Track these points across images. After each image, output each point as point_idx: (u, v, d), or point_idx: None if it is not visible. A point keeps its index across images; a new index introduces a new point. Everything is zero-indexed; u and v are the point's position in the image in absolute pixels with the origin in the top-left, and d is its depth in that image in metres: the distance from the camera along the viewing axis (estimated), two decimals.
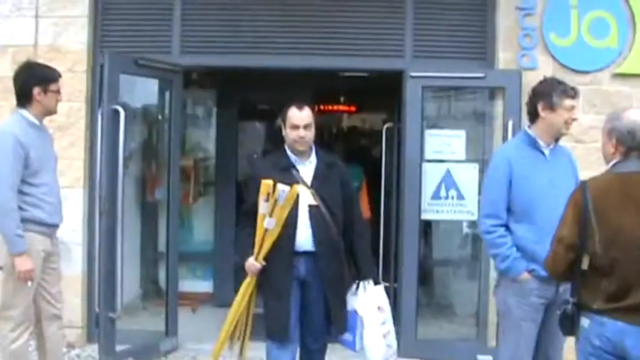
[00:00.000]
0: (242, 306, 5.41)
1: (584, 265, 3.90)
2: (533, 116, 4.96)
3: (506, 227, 4.89)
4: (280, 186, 5.06)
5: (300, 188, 5.15)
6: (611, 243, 3.80)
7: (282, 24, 7.41)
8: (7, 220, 5.08)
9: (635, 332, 3.76)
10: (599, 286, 3.85)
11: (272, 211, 5.10)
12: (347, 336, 5.42)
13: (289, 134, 5.28)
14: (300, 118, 5.25)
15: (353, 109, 12.49)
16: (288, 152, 5.34)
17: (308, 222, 5.22)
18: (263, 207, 5.12)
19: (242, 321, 5.50)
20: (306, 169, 5.33)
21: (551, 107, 4.84)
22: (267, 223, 5.13)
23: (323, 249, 5.24)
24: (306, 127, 5.25)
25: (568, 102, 4.87)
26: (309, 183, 5.28)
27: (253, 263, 5.22)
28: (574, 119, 4.97)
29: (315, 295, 5.30)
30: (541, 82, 5.07)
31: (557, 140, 5.01)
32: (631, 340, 3.76)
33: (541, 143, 4.92)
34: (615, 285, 3.80)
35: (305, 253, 5.24)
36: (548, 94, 4.87)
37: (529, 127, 5.02)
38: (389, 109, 10.39)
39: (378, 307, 5.37)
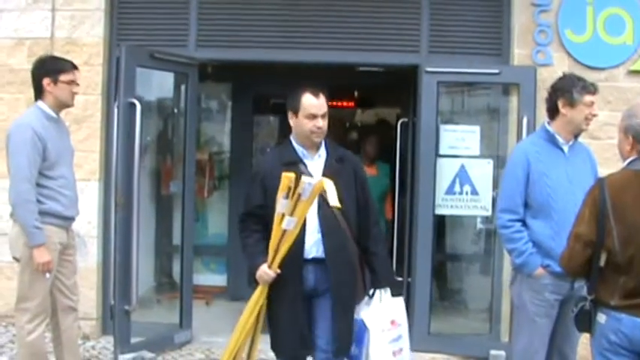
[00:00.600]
0: (253, 317, 4.86)
1: (602, 262, 3.92)
2: (553, 112, 4.97)
3: (523, 222, 4.91)
4: (305, 178, 4.43)
5: (325, 181, 4.45)
6: (628, 240, 3.81)
7: (297, 18, 7.43)
8: (26, 213, 5.12)
9: None
10: (616, 282, 3.87)
11: (294, 208, 4.47)
12: (353, 349, 4.81)
13: (304, 125, 4.68)
14: (318, 106, 4.70)
15: (367, 103, 12.46)
16: (295, 145, 4.79)
17: (317, 225, 4.65)
18: (282, 205, 4.48)
19: (250, 334, 4.95)
20: (315, 163, 4.76)
21: (572, 103, 4.86)
22: (287, 223, 4.49)
23: (334, 257, 4.65)
24: (323, 116, 4.72)
25: (588, 98, 4.89)
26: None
27: (266, 272, 4.63)
28: (594, 115, 4.99)
29: (324, 306, 4.73)
30: (561, 79, 5.09)
31: (576, 137, 5.02)
32: None
33: (560, 140, 4.94)
34: (633, 281, 3.82)
35: (314, 260, 4.67)
36: (568, 90, 4.88)
37: (548, 123, 5.02)
38: (403, 105, 10.40)
39: (392, 321, 4.81)
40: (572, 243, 4.05)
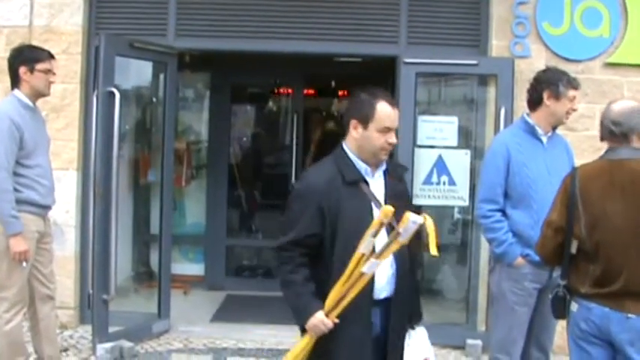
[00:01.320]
0: None
1: (573, 250, 3.99)
2: (536, 104, 5.02)
3: (503, 212, 4.96)
4: (412, 216, 3.59)
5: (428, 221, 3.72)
6: (594, 227, 3.88)
7: (277, 8, 7.42)
8: (3, 202, 5.10)
9: (619, 318, 3.83)
10: (587, 270, 3.94)
11: (385, 250, 3.66)
12: None
13: (375, 139, 3.83)
14: (394, 118, 3.86)
15: (344, 94, 12.49)
16: (355, 159, 3.91)
17: (392, 260, 3.81)
18: (368, 244, 3.62)
19: None
20: (376, 183, 3.94)
21: (557, 96, 4.93)
22: (369, 267, 3.63)
23: (403, 294, 3.88)
24: (396, 130, 3.91)
25: (572, 92, 4.97)
26: (383, 203, 3.81)
27: (324, 322, 3.72)
28: (574, 110, 5.06)
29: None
30: (546, 71, 5.15)
31: (554, 129, 5.07)
32: (616, 326, 3.84)
33: (539, 131, 4.99)
34: (600, 270, 3.88)
35: (383, 300, 3.85)
36: (554, 83, 4.95)
37: (528, 114, 5.07)
38: None
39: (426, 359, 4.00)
40: (544, 229, 4.15)
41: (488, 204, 4.98)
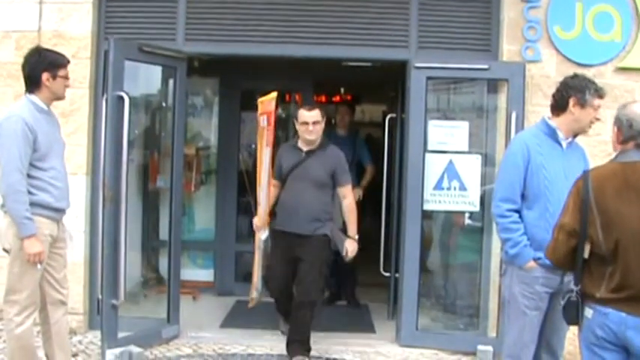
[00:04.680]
0: None
1: (586, 254, 3.95)
2: (560, 109, 4.98)
3: (519, 213, 4.93)
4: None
5: None
6: (610, 230, 3.84)
7: (286, 13, 7.41)
8: (17, 204, 5.08)
9: (636, 323, 3.79)
10: (602, 275, 3.89)
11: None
12: None
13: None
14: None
15: (354, 99, 12.47)
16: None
17: None
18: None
19: None
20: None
21: (583, 104, 4.91)
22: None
23: None
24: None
25: (597, 102, 4.95)
26: None
27: None
28: (597, 119, 5.04)
29: None
30: (574, 77, 5.08)
31: (574, 136, 5.05)
32: (633, 331, 3.79)
33: (560, 135, 4.97)
34: (616, 274, 3.84)
35: None
36: (581, 90, 4.92)
37: (549, 118, 5.05)
38: (389, 101, 10.41)
39: None
40: (556, 234, 4.10)
41: (506, 203, 4.94)
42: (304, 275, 6.68)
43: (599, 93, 4.96)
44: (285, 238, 6.81)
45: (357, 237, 6.85)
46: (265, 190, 7.01)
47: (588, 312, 3.95)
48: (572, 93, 4.94)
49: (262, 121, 7.16)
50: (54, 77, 5.32)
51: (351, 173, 7.24)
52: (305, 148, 6.84)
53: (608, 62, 7.15)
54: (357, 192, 8.31)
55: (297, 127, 6.85)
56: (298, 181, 6.76)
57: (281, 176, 6.92)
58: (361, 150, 9.11)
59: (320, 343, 7.06)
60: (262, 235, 7.11)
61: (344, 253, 6.81)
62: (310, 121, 6.71)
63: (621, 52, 7.14)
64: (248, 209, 9.39)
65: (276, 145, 7.23)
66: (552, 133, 4.98)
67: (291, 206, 6.78)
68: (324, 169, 6.76)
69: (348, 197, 6.88)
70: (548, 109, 5.11)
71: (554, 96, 5.08)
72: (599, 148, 6.68)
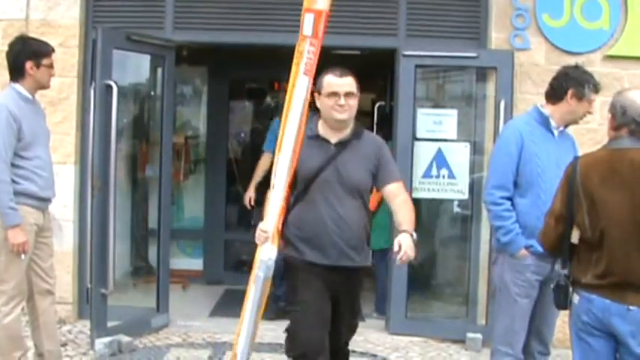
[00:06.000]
0: None
1: (575, 239, 3.98)
2: (557, 98, 4.98)
3: (511, 200, 4.94)
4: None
5: None
6: (596, 216, 3.86)
7: (275, 1, 7.36)
8: (1, 193, 5.05)
9: (620, 310, 3.81)
10: (588, 261, 3.92)
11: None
12: None
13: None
14: None
15: None
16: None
17: None
18: None
19: None
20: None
21: (580, 97, 4.91)
22: None
23: None
24: None
25: (593, 96, 4.98)
26: None
27: None
28: (590, 113, 5.08)
29: None
30: (575, 69, 5.08)
31: (566, 126, 5.06)
32: (617, 318, 3.82)
33: (553, 123, 4.98)
34: (602, 260, 3.86)
35: None
36: (581, 83, 4.93)
37: (542, 105, 5.06)
38: (378, 89, 10.40)
39: None
40: (547, 219, 4.16)
41: (500, 190, 4.94)
42: (346, 321, 4.90)
43: (597, 88, 4.98)
44: (317, 273, 4.65)
45: (414, 234, 4.61)
46: (286, 172, 4.72)
47: (575, 298, 3.98)
48: (571, 84, 4.94)
49: (306, 24, 5.06)
50: (37, 66, 5.29)
51: None
52: (333, 139, 4.70)
53: (597, 50, 7.15)
54: None
55: (320, 102, 4.70)
56: (328, 189, 4.62)
57: (299, 182, 4.76)
58: None
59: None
60: (268, 254, 4.76)
61: (396, 250, 4.43)
62: (342, 91, 4.62)
63: (609, 40, 7.14)
64: (238, 198, 9.40)
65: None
66: (545, 121, 4.99)
67: (321, 227, 4.63)
68: (364, 168, 4.70)
69: (402, 194, 4.77)
70: (537, 97, 5.15)
71: (551, 84, 5.07)
72: (587, 136, 6.68)
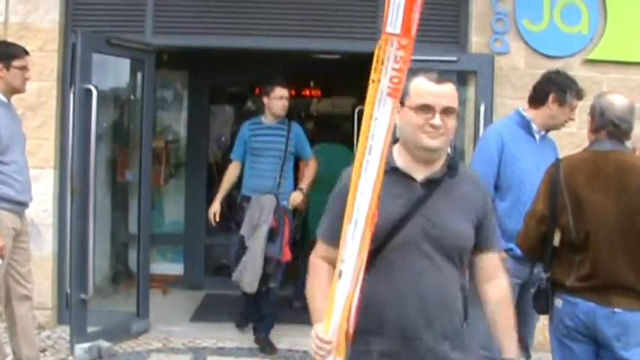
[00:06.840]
0: None
1: (556, 241, 3.98)
2: (539, 102, 5.01)
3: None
4: None
5: None
6: (581, 217, 3.88)
7: (255, 5, 7.36)
8: None
9: (605, 313, 3.82)
10: (571, 263, 3.93)
11: None
12: None
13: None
14: None
15: (323, 92, 12.44)
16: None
17: None
18: None
19: None
20: None
21: (562, 102, 4.94)
22: None
23: None
24: None
25: (575, 103, 5.00)
26: None
27: None
28: (572, 119, 5.10)
29: None
30: (558, 74, 5.11)
31: (547, 131, 5.08)
32: (602, 321, 3.82)
33: (534, 127, 5.01)
34: (586, 262, 3.88)
35: None
36: (563, 89, 4.95)
37: (524, 109, 5.07)
38: (359, 93, 10.38)
39: None
40: (527, 220, 4.16)
41: None
42: None
43: (580, 95, 4.99)
44: None
45: None
46: (360, 239, 2.85)
47: (558, 302, 3.98)
48: (553, 89, 4.96)
49: (392, 15, 2.87)
50: (7, 68, 5.27)
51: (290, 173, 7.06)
52: (419, 174, 3.08)
53: (576, 54, 7.18)
54: (298, 196, 7.14)
55: (402, 118, 3.04)
56: (413, 252, 3.01)
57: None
58: (299, 141, 7.28)
59: (289, 335, 7.08)
60: None
61: None
62: (439, 105, 3.01)
63: (589, 45, 7.17)
64: None
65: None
66: (526, 125, 5.00)
67: (401, 311, 3.01)
68: (465, 218, 3.11)
69: (500, 276, 3.30)
70: (517, 101, 5.15)
71: (534, 88, 5.10)
72: (567, 140, 6.68)
